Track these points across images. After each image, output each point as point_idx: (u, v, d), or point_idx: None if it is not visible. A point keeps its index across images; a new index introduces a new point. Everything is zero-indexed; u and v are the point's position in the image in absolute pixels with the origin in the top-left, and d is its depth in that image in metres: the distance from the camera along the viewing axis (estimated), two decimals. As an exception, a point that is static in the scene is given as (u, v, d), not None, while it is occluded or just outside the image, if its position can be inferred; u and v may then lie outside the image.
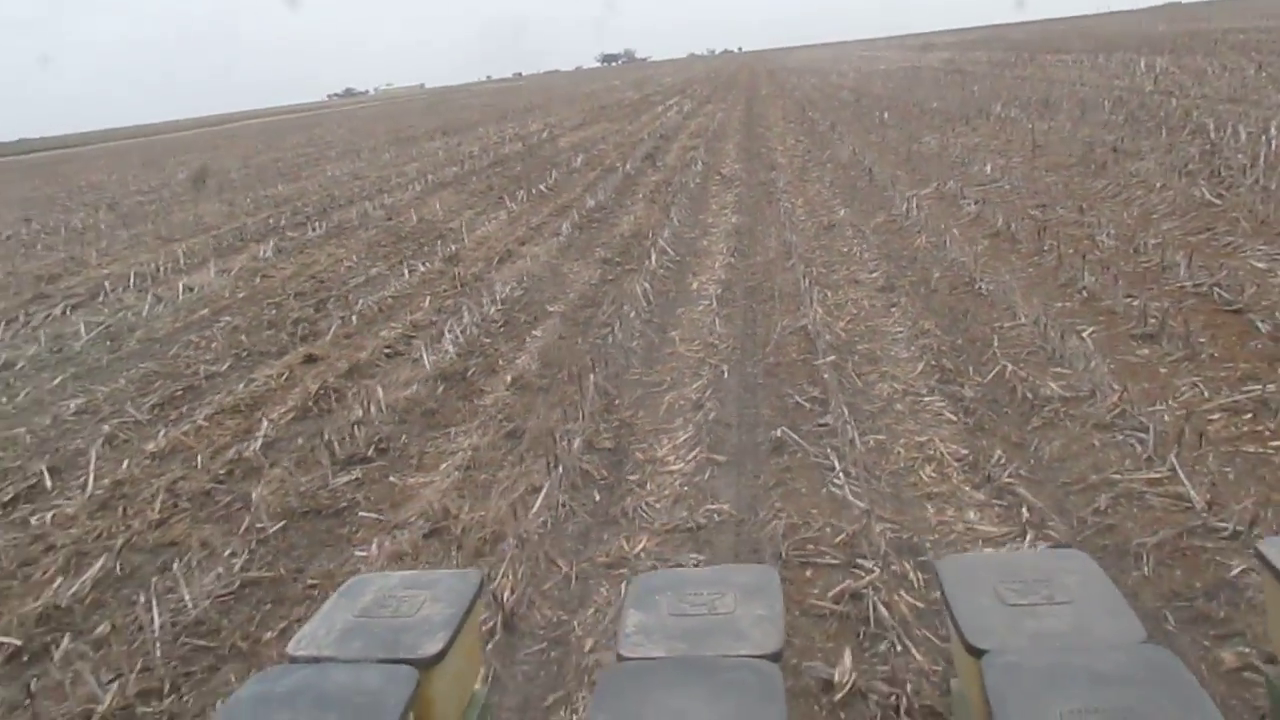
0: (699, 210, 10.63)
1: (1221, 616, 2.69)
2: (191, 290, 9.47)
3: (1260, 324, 4.84)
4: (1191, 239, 6.68)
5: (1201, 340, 4.73)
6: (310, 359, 6.39)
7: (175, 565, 3.60)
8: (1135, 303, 5.35)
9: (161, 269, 10.82)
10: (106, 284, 10.21)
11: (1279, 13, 46.94)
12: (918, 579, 3.01)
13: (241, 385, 5.98)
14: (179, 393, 6.05)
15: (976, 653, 1.46)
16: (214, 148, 43.53)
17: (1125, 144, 11.05)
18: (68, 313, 9.23)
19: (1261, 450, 3.59)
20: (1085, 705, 1.28)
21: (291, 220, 13.72)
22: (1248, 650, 2.51)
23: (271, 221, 13.82)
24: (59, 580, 3.64)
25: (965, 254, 7.01)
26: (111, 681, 2.93)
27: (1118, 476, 3.52)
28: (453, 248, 9.90)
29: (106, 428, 5.46)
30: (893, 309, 6.03)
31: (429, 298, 7.80)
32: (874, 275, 6.90)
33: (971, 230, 7.90)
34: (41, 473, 4.86)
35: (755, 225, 9.38)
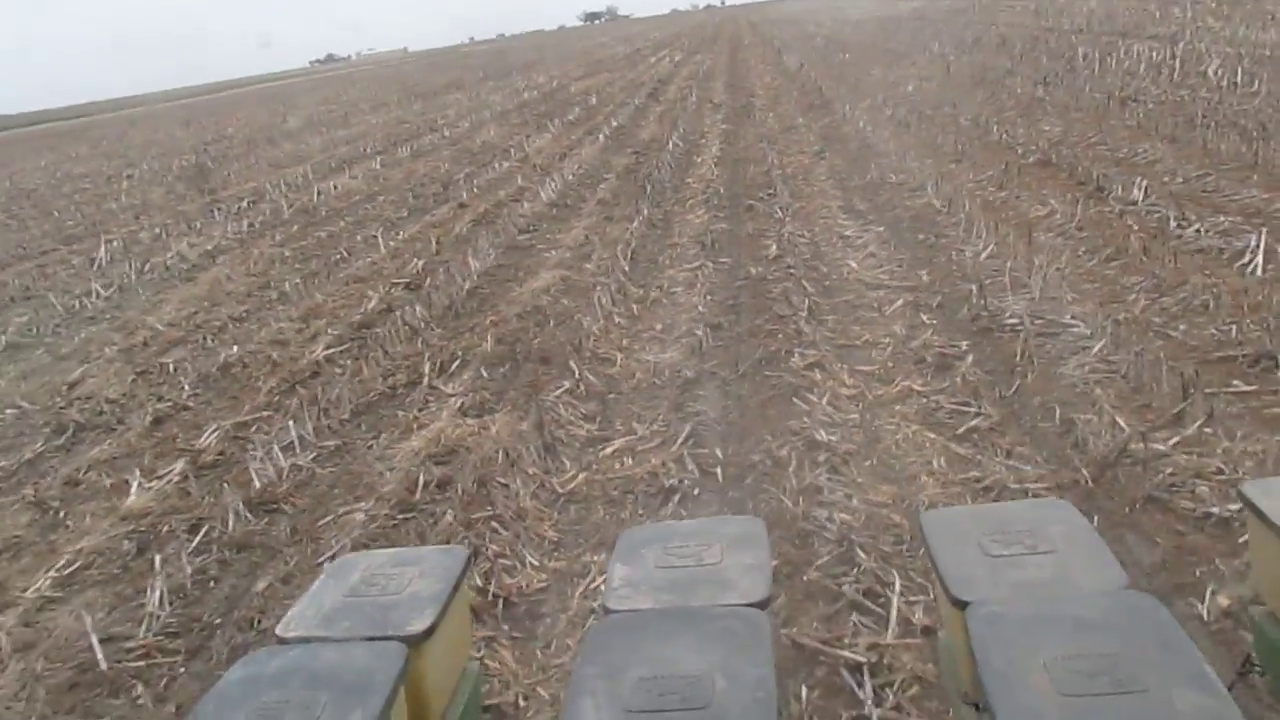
0: (697, 124, 14.44)
1: (932, 232, 6.62)
2: (337, 187, 13.28)
3: (1019, 150, 8.75)
4: (1015, 118, 10.57)
5: (983, 160, 8.65)
6: (461, 205, 10.27)
7: (469, 253, 7.50)
8: (958, 147, 9.27)
9: (300, 179, 14.62)
10: (269, 187, 14.03)
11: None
12: (808, 238, 6.94)
13: (426, 218, 9.87)
14: (386, 226, 9.90)
15: (960, 604, 1.49)
16: (235, 109, 46.84)
17: (1014, 68, 14.90)
18: (250, 205, 13.03)
19: (981, 193, 7.52)
20: (1069, 652, 1.30)
21: (375, 149, 17.46)
22: (932, 238, 6.45)
23: (359, 150, 17.58)
24: (408, 264, 7.57)
25: (875, 135, 10.88)
26: (466, 278, 6.85)
27: (909, 203, 7.45)
28: (520, 154, 13.72)
29: (359, 237, 9.36)
30: (821, 161, 9.93)
31: (519, 177, 11.65)
32: (814, 148, 10.78)
33: (884, 123, 11.76)
34: (342, 250, 8.76)
35: (738, 130, 13.22)
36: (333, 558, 3.32)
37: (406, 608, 1.67)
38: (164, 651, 3.11)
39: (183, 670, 3.03)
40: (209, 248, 10.16)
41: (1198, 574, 2.70)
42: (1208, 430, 3.39)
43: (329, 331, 6.27)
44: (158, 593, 3.33)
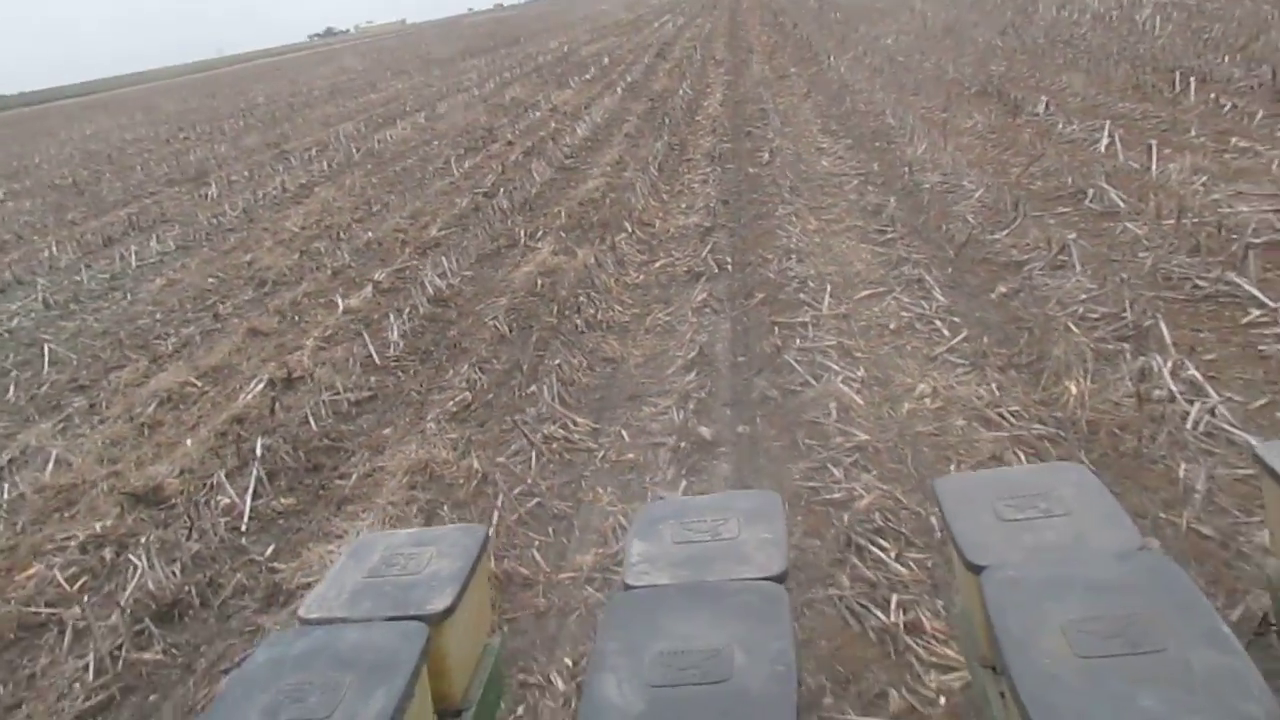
0: (702, 78, 16.52)
1: (885, 140, 8.76)
2: (392, 136, 15.41)
3: (966, 84, 10.87)
4: (970, 61, 12.66)
5: (935, 92, 10.77)
6: (510, 143, 12.41)
7: (528, 171, 9.66)
8: (917, 84, 11.39)
9: (355, 131, 16.74)
10: (329, 139, 16.16)
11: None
12: (793, 149, 9.08)
13: (483, 152, 12.02)
14: (451, 160, 12.05)
15: (975, 569, 1.49)
16: (254, 81, 48.72)
17: (980, 21, 16.93)
18: (319, 153, 15.16)
19: (928, 115, 9.64)
20: (1085, 614, 1.30)
21: (414, 107, 19.54)
22: (885, 144, 8.60)
23: (399, 109, 19.65)
24: (483, 180, 9.73)
25: (853, 78, 12.97)
26: (532, 185, 9.02)
27: (871, 124, 9.59)
28: (549, 106, 15.82)
29: (430, 168, 11.51)
30: (807, 100, 12.05)
31: (553, 123, 13.76)
32: (802, 91, 12.89)
33: (862, 69, 13.84)
34: (420, 176, 10.92)
35: (738, 80, 15.31)
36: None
37: (426, 587, 1.70)
38: (406, 359, 5.33)
39: (420, 366, 5.24)
40: (304, 181, 12.32)
41: (997, 284, 4.89)
42: (1027, 228, 5.57)
43: (436, 222, 8.45)
44: (395, 334, 5.55)
